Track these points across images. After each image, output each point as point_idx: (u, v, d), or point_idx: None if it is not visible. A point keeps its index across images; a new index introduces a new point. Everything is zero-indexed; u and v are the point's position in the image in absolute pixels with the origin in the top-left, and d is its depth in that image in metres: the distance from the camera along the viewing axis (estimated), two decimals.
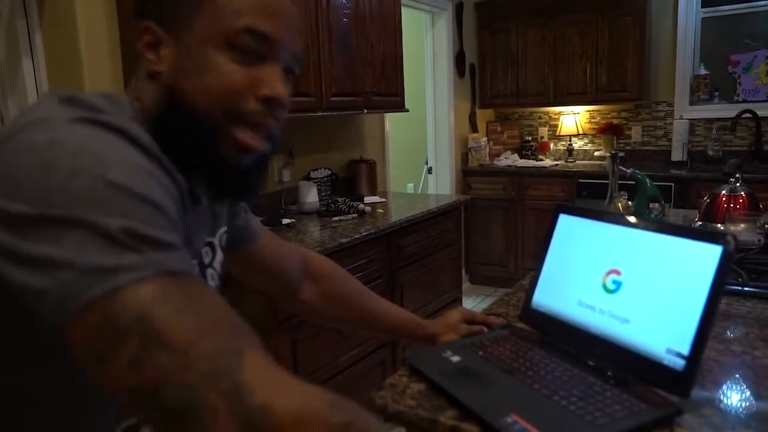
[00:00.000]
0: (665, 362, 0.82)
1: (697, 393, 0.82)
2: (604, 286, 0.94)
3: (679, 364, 0.80)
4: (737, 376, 0.91)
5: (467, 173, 4.64)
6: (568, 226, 1.05)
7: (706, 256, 0.82)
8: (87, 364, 0.47)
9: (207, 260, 0.79)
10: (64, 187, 0.49)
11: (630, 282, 0.91)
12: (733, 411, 0.80)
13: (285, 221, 2.49)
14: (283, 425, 0.44)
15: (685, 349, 0.80)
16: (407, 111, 3.26)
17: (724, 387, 0.87)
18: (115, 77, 2.16)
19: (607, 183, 1.91)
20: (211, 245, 0.80)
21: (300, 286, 1.04)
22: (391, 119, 3.79)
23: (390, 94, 3.08)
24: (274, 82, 0.64)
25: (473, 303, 4.21)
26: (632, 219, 0.95)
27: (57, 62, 2.13)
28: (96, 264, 0.47)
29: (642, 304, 0.88)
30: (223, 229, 0.84)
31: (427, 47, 4.45)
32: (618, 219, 0.97)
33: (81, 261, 0.47)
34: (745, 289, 1.29)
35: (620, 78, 4.19)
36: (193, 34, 0.63)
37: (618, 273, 0.93)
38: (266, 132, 0.66)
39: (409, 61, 3.38)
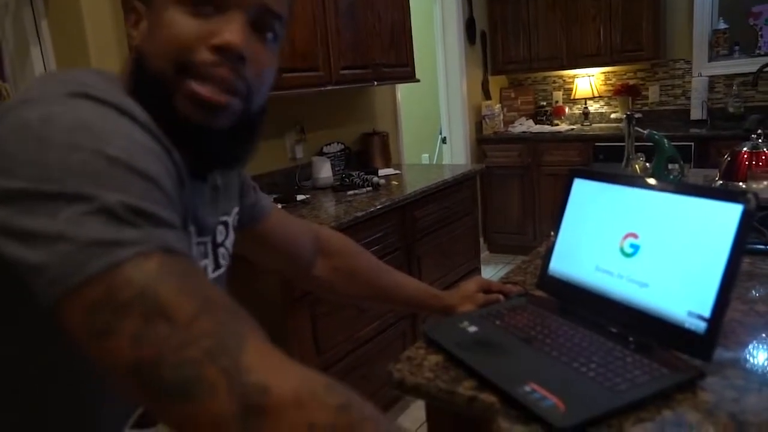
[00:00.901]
0: (686, 325, 0.80)
1: (720, 355, 0.81)
2: (622, 251, 0.92)
3: (701, 326, 0.78)
4: (763, 336, 0.89)
5: (482, 141, 4.59)
6: (583, 190, 1.03)
7: (726, 216, 0.79)
8: (85, 341, 0.47)
9: (220, 239, 0.79)
10: (63, 162, 0.48)
11: (648, 245, 0.89)
12: (757, 372, 0.79)
13: (300, 197, 2.49)
14: (281, 405, 0.44)
15: (707, 312, 0.78)
16: (418, 81, 3.22)
17: (749, 347, 0.86)
18: (122, 61, 2.15)
19: (625, 146, 1.87)
20: (225, 224, 0.80)
21: (312, 263, 1.03)
22: (402, 90, 3.74)
23: (400, 65, 3.03)
24: (227, 31, 0.60)
25: (493, 271, 4.20)
26: (648, 180, 0.93)
27: (64, 48, 2.13)
28: (96, 238, 0.47)
29: (661, 267, 0.86)
30: (237, 209, 0.84)
31: (436, 15, 4.36)
32: (633, 181, 0.95)
33: (80, 235, 0.46)
34: None
35: (635, 37, 4.08)
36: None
37: (635, 236, 0.91)
38: (225, 85, 0.61)
39: (418, 31, 3.32)
